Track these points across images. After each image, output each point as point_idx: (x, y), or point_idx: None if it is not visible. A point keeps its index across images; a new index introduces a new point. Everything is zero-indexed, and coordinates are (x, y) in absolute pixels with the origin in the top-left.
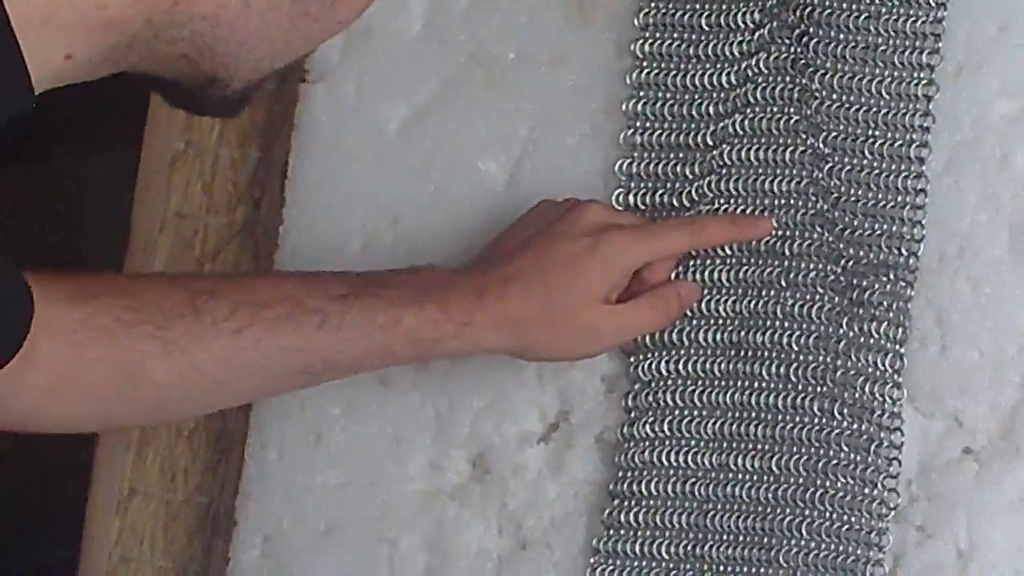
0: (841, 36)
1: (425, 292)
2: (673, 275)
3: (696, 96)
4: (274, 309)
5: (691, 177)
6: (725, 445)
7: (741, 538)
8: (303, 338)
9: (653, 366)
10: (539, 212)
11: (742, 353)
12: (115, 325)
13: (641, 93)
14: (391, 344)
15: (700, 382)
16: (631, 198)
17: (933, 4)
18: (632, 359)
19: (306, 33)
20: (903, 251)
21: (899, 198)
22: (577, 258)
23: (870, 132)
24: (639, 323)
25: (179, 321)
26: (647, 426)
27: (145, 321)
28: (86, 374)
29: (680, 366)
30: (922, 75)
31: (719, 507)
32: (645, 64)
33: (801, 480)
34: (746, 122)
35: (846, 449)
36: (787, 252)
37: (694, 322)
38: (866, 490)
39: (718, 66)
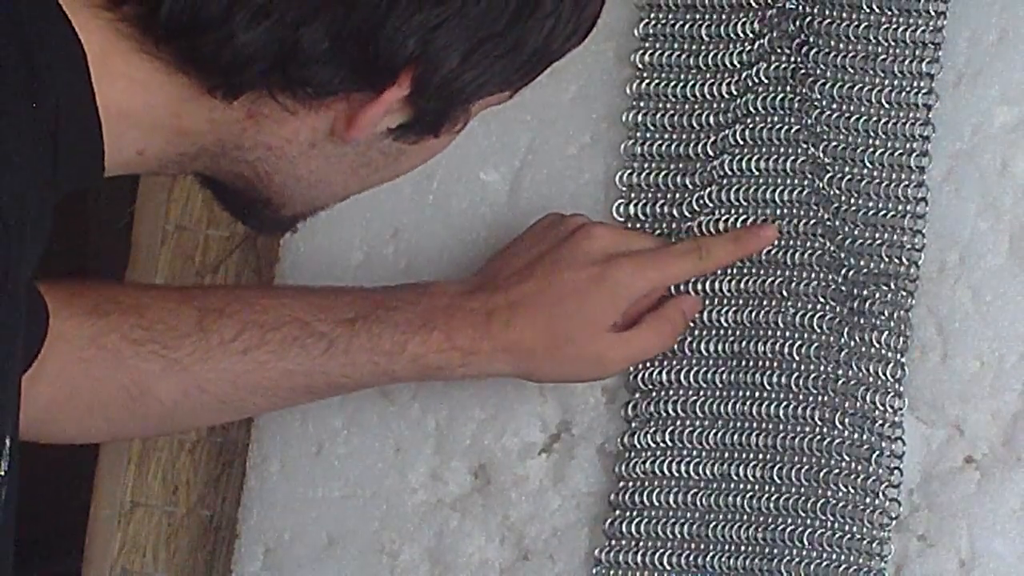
0: (841, 46)
1: (431, 318)
2: (673, 287)
3: (696, 106)
4: (281, 331)
5: (692, 187)
6: (726, 455)
7: (743, 548)
8: (309, 362)
9: (653, 376)
10: (545, 227)
11: (743, 363)
12: (122, 344)
13: (641, 104)
14: (396, 369)
15: (701, 392)
16: (632, 208)
17: (933, 13)
18: (632, 369)
19: (365, 181)
20: (904, 260)
21: (900, 207)
22: (583, 288)
23: (870, 141)
24: (646, 348)
25: (186, 340)
26: (648, 436)
27: (152, 340)
28: (92, 390)
29: (681, 376)
30: (922, 84)
31: (720, 517)
32: (645, 75)
33: (802, 490)
34: (746, 132)
35: (847, 458)
36: (788, 262)
37: (695, 332)
38: (867, 499)
39: (718, 76)
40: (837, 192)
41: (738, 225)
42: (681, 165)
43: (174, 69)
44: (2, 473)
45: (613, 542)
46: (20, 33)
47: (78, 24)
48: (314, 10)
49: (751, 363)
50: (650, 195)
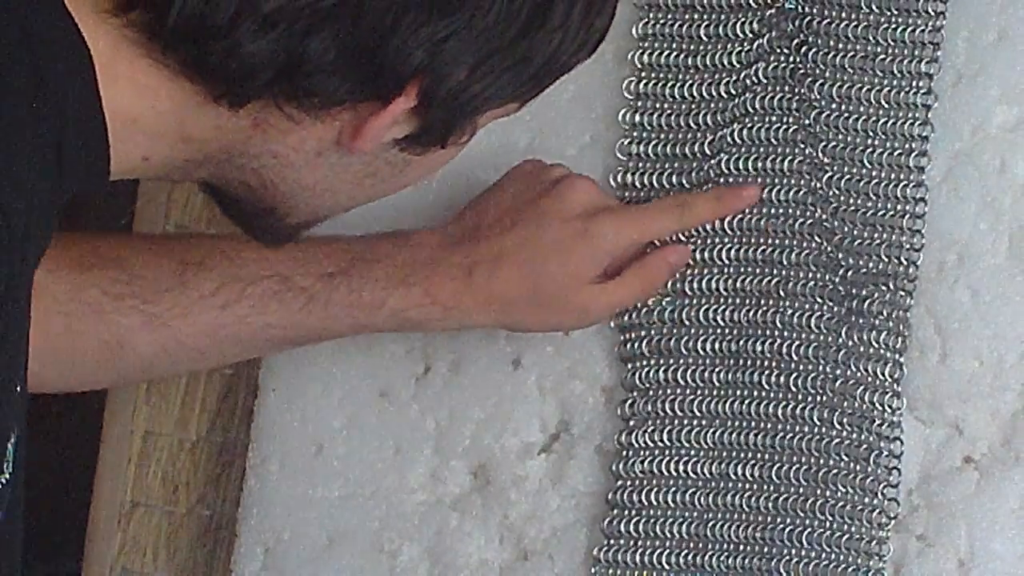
0: (840, 45)
1: (412, 272)
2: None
3: (695, 106)
4: (261, 286)
5: (689, 187)
6: (724, 454)
7: (741, 547)
8: (288, 316)
9: (651, 374)
10: (526, 173)
11: (741, 362)
12: (103, 299)
13: (639, 104)
14: (376, 323)
15: (699, 391)
16: None
17: (932, 13)
18: (630, 367)
19: (371, 191)
20: (902, 260)
21: (898, 207)
22: (567, 242)
23: (869, 141)
24: (627, 298)
25: (166, 295)
26: (645, 435)
27: (132, 295)
28: (72, 344)
29: (679, 375)
30: (921, 84)
31: (718, 516)
32: (644, 75)
33: (801, 489)
34: (744, 132)
35: (846, 458)
36: (785, 261)
37: (692, 331)
38: (866, 499)
39: (717, 76)
40: (836, 192)
41: (736, 224)
42: (679, 165)
43: (180, 76)
44: (6, 478)
45: (611, 541)
46: (27, 36)
47: (85, 28)
48: (321, 20)
49: (748, 362)
50: (648, 195)
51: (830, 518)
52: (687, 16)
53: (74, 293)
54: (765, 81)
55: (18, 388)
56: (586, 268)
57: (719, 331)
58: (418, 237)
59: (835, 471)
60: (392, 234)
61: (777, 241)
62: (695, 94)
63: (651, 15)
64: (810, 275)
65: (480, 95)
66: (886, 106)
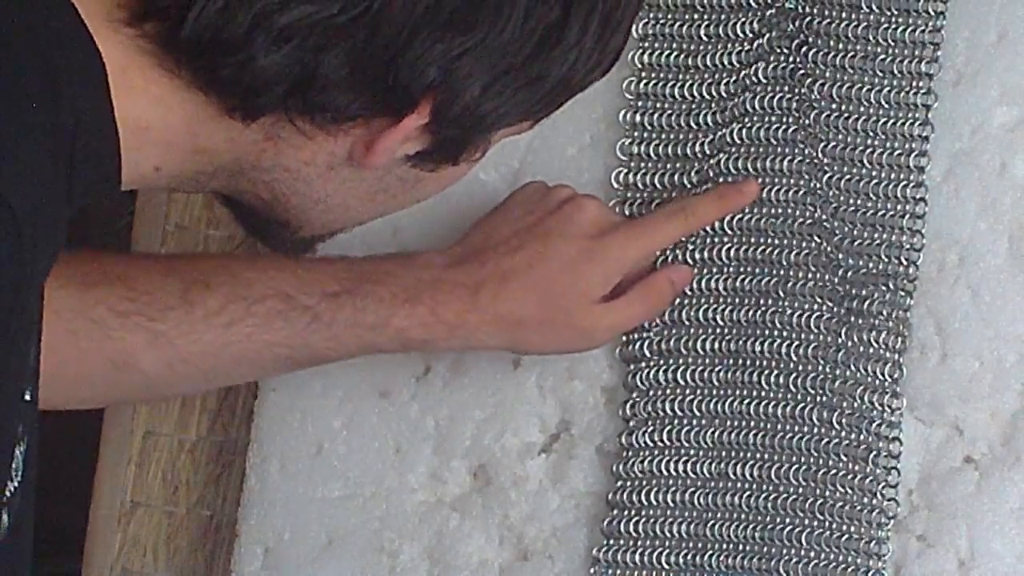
0: (840, 46)
1: (417, 291)
2: (671, 257)
3: (695, 106)
4: (265, 304)
5: (689, 187)
6: (724, 454)
7: (740, 547)
8: (293, 335)
9: (651, 375)
10: (530, 195)
11: (740, 362)
12: (109, 316)
13: (640, 104)
14: (380, 342)
15: (698, 391)
16: (630, 208)
17: (932, 13)
18: (631, 367)
19: (382, 207)
20: (903, 260)
21: (898, 207)
22: (576, 262)
23: (869, 141)
24: (633, 317)
25: (171, 313)
26: (646, 435)
27: (138, 312)
28: (78, 362)
29: (678, 375)
30: (921, 84)
31: (718, 516)
32: (644, 75)
33: (800, 489)
34: (744, 131)
35: (845, 459)
36: (786, 262)
37: (692, 331)
38: (865, 499)
39: (717, 76)
40: (836, 192)
41: (736, 224)
42: (679, 165)
43: (193, 88)
44: (15, 485)
45: (611, 541)
46: (40, 45)
47: (99, 38)
48: (335, 36)
49: (748, 362)
50: (647, 195)
51: (830, 518)
52: (687, 16)
53: (81, 311)
54: (765, 81)
55: (27, 396)
56: (596, 286)
57: (719, 331)
58: (423, 257)
59: (835, 471)
60: (397, 255)
61: (777, 241)
62: (695, 94)
63: (651, 15)
64: (810, 275)
65: (493, 113)
66: (886, 106)
